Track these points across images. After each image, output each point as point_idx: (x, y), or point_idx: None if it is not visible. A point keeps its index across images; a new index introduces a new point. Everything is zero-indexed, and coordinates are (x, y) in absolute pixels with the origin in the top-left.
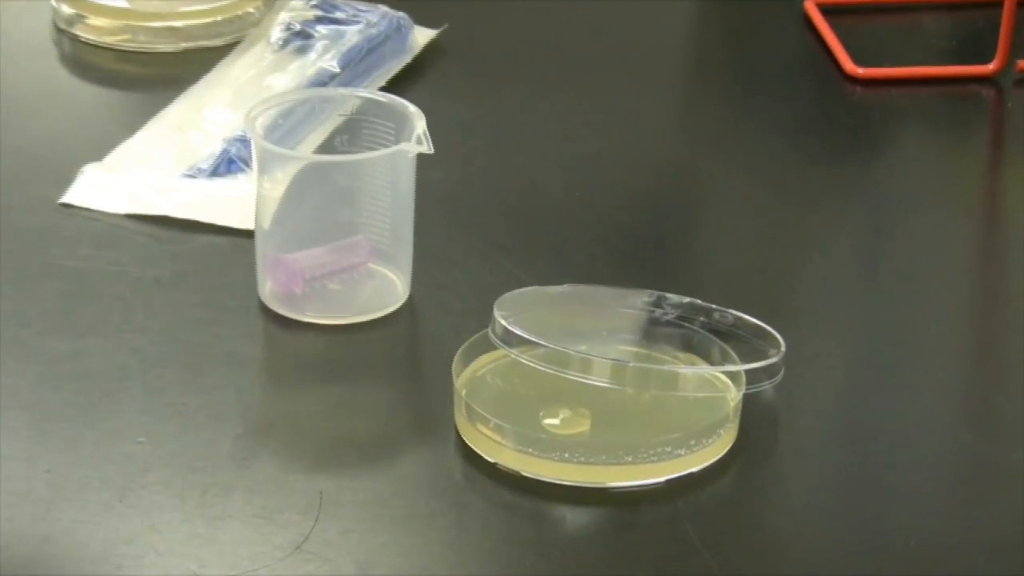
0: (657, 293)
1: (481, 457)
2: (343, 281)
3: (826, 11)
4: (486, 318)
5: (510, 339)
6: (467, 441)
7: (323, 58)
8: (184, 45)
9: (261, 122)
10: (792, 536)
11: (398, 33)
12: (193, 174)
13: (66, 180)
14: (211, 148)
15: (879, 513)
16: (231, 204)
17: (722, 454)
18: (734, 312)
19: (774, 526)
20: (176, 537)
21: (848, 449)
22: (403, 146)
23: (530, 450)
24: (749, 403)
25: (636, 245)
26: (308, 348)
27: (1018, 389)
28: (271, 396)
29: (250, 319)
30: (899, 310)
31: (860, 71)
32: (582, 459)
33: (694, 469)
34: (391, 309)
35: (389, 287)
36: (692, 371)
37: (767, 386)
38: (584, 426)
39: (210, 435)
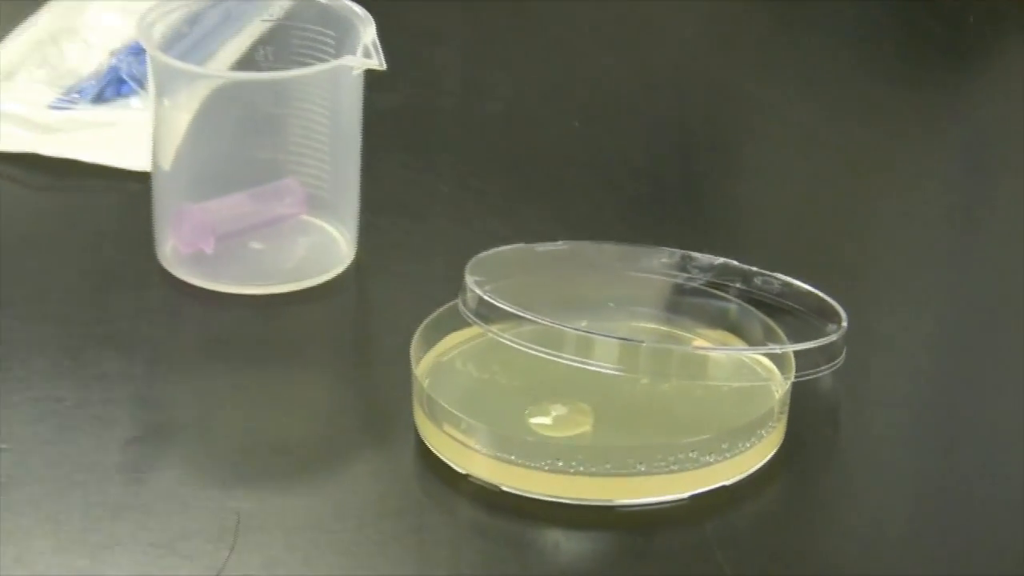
0: (681, 252)
1: (448, 467)
2: (267, 238)
3: None
4: (456, 286)
5: (487, 313)
6: (430, 446)
7: None
8: None
9: (160, 30)
10: (854, 569)
11: None
12: (71, 100)
13: None
14: (94, 65)
15: (968, 539)
16: (120, 138)
17: (764, 462)
18: (781, 276)
19: (831, 556)
20: (49, 572)
21: (928, 456)
22: (346, 60)
23: (512, 457)
24: (800, 395)
25: (655, 190)
26: (223, 326)
27: None
28: (173, 389)
29: (147, 288)
30: (996, 278)
31: None
32: (581, 469)
33: (727, 482)
34: (331, 275)
35: (329, 246)
36: (726, 353)
37: (824, 373)
38: (584, 426)
39: (94, 440)
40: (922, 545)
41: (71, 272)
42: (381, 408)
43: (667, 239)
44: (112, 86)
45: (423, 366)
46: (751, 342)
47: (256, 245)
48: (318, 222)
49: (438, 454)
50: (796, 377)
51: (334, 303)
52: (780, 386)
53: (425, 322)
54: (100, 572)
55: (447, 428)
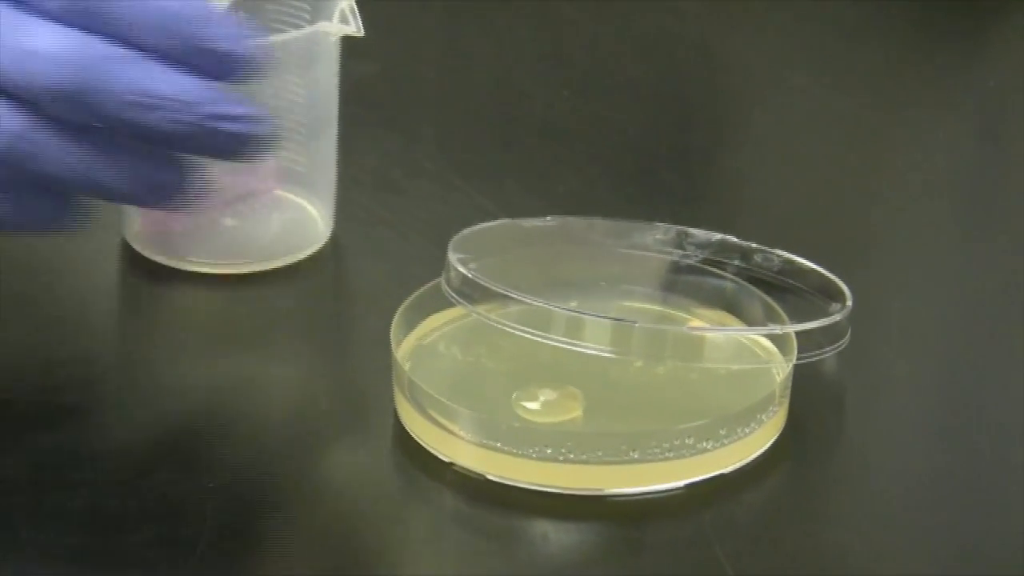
0: (676, 227)
1: (431, 455)
2: (240, 214)
3: None
4: (438, 265)
5: (471, 292)
6: (411, 433)
7: None
8: None
9: None
10: (860, 562)
11: None
12: None
13: None
14: None
15: (980, 531)
16: None
17: (764, 449)
18: (782, 253)
19: (836, 549)
20: None
21: (939, 443)
22: (322, 26)
23: (498, 444)
24: (802, 379)
25: (648, 162)
26: (191, 307)
27: None
28: (137, 372)
29: (110, 268)
30: (1012, 255)
31: None
32: (571, 456)
33: (726, 470)
34: (307, 253)
35: (304, 222)
36: (724, 334)
37: (828, 354)
38: (574, 411)
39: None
40: (932, 538)
41: (27, 251)
42: (359, 393)
43: (661, 214)
44: None
45: (404, 349)
46: (751, 322)
47: (228, 222)
48: (293, 198)
49: (420, 442)
50: (798, 359)
51: (310, 283)
52: (781, 369)
53: (406, 303)
54: None
55: (429, 414)
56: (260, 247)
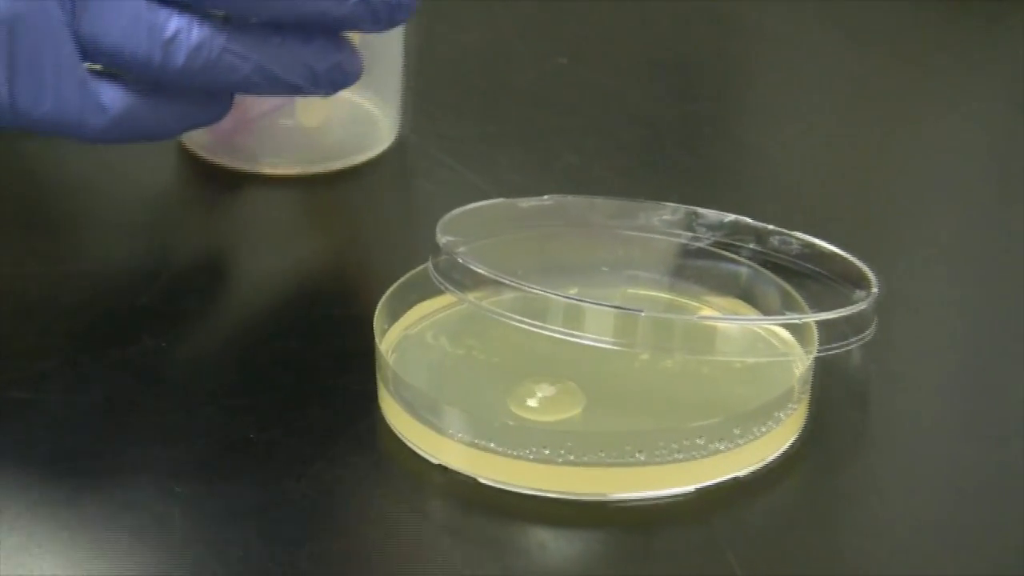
0: (685, 207)
1: (418, 455)
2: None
3: None
4: (425, 248)
5: (461, 278)
6: (397, 432)
7: None
8: None
9: None
10: (883, 571)
11: None
12: None
13: None
14: None
15: (1013, 538)
16: None
17: (782, 450)
18: (801, 235)
19: (856, 557)
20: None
21: (969, 443)
22: None
23: (492, 445)
24: (824, 373)
25: (654, 136)
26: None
27: None
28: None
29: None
30: None
31: None
32: (571, 458)
33: (740, 473)
34: (372, 154)
35: (368, 124)
36: (738, 324)
37: (852, 346)
38: (574, 409)
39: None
40: (960, 545)
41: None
42: (336, 383)
43: (669, 193)
44: None
45: (388, 340)
46: (767, 311)
47: (287, 122)
48: (358, 99)
49: (406, 441)
50: (819, 352)
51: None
52: (801, 362)
53: (390, 290)
54: None
55: (416, 411)
56: (325, 148)
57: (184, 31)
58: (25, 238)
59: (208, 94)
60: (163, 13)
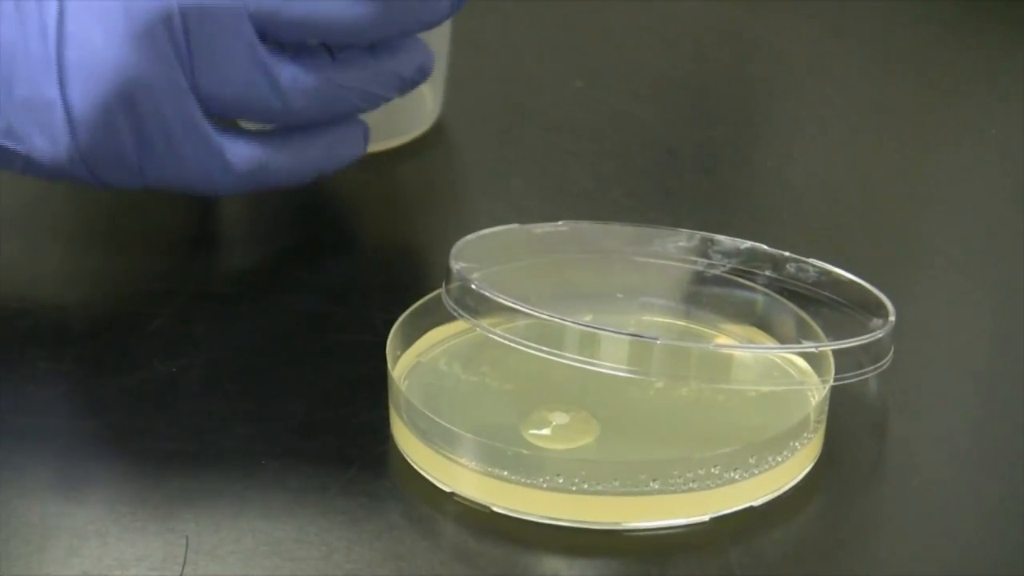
0: (701, 234)
1: (431, 483)
2: None
3: None
4: (437, 275)
5: (475, 304)
6: (409, 459)
7: None
8: None
9: None
10: None
11: None
12: None
13: None
14: None
15: None
16: None
17: (798, 479)
18: (818, 263)
19: None
20: None
21: (988, 474)
22: None
23: (504, 473)
24: (840, 402)
25: (670, 161)
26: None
27: None
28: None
29: None
30: None
31: None
32: (585, 486)
33: (755, 502)
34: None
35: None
36: (753, 352)
37: (868, 375)
38: (588, 437)
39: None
40: None
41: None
42: (352, 412)
43: (686, 218)
44: None
45: (401, 366)
46: (783, 339)
47: None
48: None
49: (419, 469)
50: (835, 380)
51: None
52: (817, 391)
53: (403, 316)
54: None
55: (429, 439)
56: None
57: (301, 76)
58: (36, 263)
59: (319, 129)
60: (273, 59)
